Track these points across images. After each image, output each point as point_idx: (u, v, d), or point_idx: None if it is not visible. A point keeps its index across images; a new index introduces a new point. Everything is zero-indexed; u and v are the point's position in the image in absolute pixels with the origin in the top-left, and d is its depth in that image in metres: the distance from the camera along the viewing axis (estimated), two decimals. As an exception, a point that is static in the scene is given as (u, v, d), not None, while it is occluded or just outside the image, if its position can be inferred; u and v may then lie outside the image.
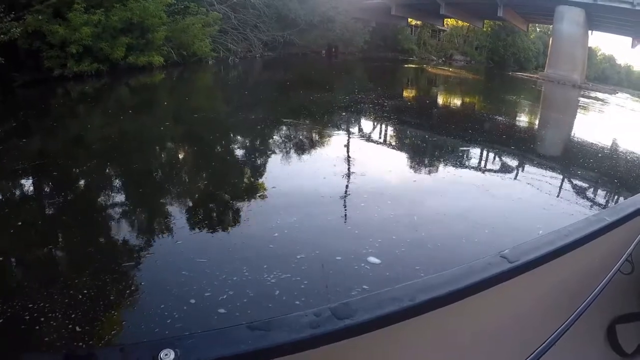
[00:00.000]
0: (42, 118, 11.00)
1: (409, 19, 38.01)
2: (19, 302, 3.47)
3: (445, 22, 40.65)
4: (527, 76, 33.61)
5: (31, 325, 3.28)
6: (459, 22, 41.32)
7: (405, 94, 20.09)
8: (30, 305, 3.42)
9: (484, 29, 42.10)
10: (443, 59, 39.67)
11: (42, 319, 3.32)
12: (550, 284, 1.71)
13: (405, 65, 30.95)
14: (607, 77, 52.15)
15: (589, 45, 36.65)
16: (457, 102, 19.75)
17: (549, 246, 1.49)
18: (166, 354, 0.94)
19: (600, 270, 1.90)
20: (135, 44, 16.02)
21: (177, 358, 0.94)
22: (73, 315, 3.37)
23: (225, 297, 3.62)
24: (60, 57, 13.94)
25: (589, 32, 33.30)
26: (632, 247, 2.02)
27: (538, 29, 47.53)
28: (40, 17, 13.17)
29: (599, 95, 28.70)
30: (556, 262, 1.51)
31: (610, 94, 31.95)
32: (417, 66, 31.63)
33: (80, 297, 3.58)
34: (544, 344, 1.55)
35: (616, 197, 7.53)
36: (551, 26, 34.34)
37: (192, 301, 3.57)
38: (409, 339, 1.28)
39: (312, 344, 1.06)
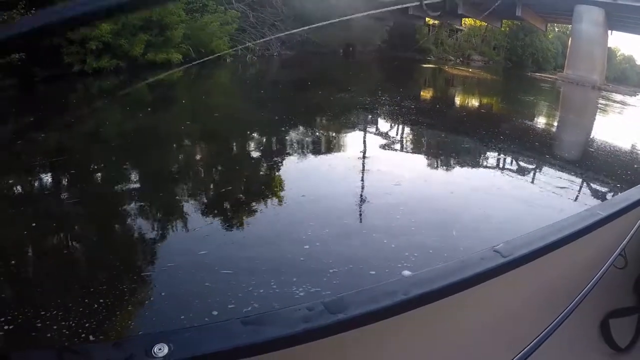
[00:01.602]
0: (60, 113, 10.98)
1: (427, 19, 37.64)
2: (31, 309, 3.38)
3: (463, 22, 40.19)
4: (545, 77, 33.04)
5: (43, 333, 3.18)
6: (477, 21, 40.78)
7: (429, 96, 19.53)
8: (42, 313, 3.32)
9: (502, 29, 41.50)
10: (461, 59, 39.06)
11: (55, 327, 3.22)
12: (543, 279, 1.73)
13: (424, 65, 30.45)
14: (627, 78, 51.03)
15: (609, 45, 35.91)
16: (483, 105, 19.11)
17: (542, 241, 1.51)
18: (160, 349, 0.93)
19: (593, 264, 1.88)
20: (153, 41, 15.92)
21: (171, 352, 0.93)
22: (87, 325, 3.27)
23: (249, 309, 3.46)
24: (80, 53, 13.96)
25: (609, 32, 32.63)
26: (625, 241, 1.99)
27: (557, 29, 46.73)
28: (60, 13, 13.13)
29: (620, 97, 28.04)
30: (550, 257, 1.52)
31: (631, 95, 31.24)
32: (435, 66, 31.12)
33: (95, 305, 3.47)
34: (537, 338, 1.52)
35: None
36: (570, 26, 33.68)
37: (215, 313, 3.42)
38: (403, 333, 1.28)
39: (306, 338, 1.06)
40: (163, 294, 3.72)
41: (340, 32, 28.33)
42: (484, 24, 40.73)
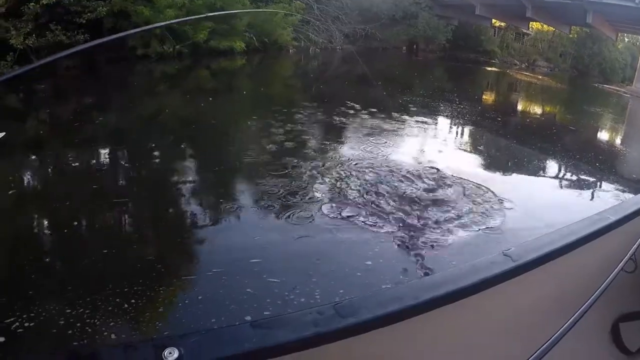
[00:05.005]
0: (121, 96, 10.82)
1: (493, 20, 36.09)
2: (58, 305, 3.26)
3: (530, 26, 38.29)
4: (614, 89, 30.85)
5: (65, 330, 3.02)
6: (544, 26, 38.66)
7: (510, 106, 16.95)
8: (68, 311, 3.18)
9: (571, 35, 39.17)
10: (526, 64, 37.20)
11: (78, 324, 3.07)
12: (553, 283, 1.70)
13: (489, 69, 28.43)
14: (698, 96, 47.64)
15: (683, 60, 33.28)
16: (568, 119, 16.11)
17: (552, 245, 1.49)
18: (170, 352, 0.91)
19: (603, 268, 1.80)
20: (217, 28, 15.56)
21: (181, 356, 0.91)
22: (112, 323, 3.15)
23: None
24: (144, 37, 13.70)
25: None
26: (635, 245, 1.94)
27: (626, 39, 43.81)
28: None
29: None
30: (560, 261, 1.50)
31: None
32: (501, 70, 29.13)
33: (125, 305, 3.31)
34: (547, 342, 1.44)
35: None
36: (642, 37, 31.39)
37: (247, 318, 3.19)
38: (412, 337, 1.26)
39: (316, 342, 1.03)
40: (200, 297, 3.51)
41: (405, 28, 27.47)
42: (551, 29, 38.62)
